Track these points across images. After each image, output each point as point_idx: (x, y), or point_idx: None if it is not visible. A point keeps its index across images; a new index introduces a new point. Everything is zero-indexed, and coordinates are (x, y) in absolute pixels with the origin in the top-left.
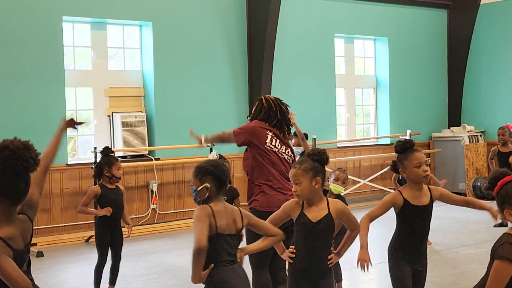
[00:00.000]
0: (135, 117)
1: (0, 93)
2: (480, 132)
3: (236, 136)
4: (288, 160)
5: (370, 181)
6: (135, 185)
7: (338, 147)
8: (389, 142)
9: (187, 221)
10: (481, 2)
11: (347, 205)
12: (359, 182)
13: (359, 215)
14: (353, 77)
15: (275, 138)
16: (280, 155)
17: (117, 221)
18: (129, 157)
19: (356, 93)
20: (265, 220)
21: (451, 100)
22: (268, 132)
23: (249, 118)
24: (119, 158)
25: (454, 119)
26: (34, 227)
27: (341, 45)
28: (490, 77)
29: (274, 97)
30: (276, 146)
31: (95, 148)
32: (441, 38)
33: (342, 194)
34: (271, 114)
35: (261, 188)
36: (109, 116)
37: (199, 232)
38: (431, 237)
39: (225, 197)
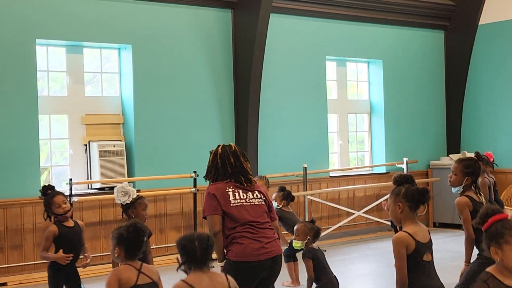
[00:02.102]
0: (114, 146)
1: None
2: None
3: (212, 221)
4: (260, 203)
5: (365, 212)
6: (113, 219)
7: (331, 176)
8: (384, 171)
9: (170, 257)
10: (480, 23)
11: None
12: (353, 214)
13: (354, 250)
14: (346, 102)
15: (236, 191)
16: (248, 204)
17: (74, 262)
18: (107, 188)
19: (349, 118)
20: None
21: (449, 125)
22: (227, 189)
23: (205, 178)
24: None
25: (453, 145)
26: (3, 266)
27: (333, 68)
28: (490, 100)
29: (224, 147)
30: (241, 197)
31: (70, 179)
32: (438, 60)
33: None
34: (219, 172)
35: (235, 239)
36: (85, 145)
37: None
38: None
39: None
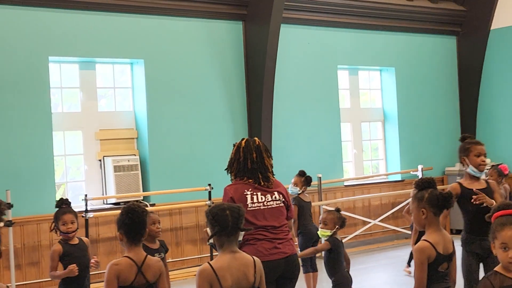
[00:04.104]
0: (128, 160)
1: None
2: (498, 164)
3: None
4: (278, 206)
5: (381, 221)
6: None
7: (346, 185)
8: (400, 179)
9: (186, 271)
10: (492, 27)
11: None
12: (369, 222)
13: (371, 259)
14: (359, 111)
15: (255, 193)
16: (266, 207)
17: (84, 280)
18: (122, 203)
19: (363, 127)
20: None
21: (464, 131)
22: (245, 191)
23: (226, 170)
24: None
25: None
26: (21, 283)
27: (345, 77)
28: (505, 105)
29: (248, 141)
30: (259, 200)
31: (86, 195)
32: (450, 66)
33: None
34: (240, 167)
35: (248, 240)
36: (100, 160)
37: None
38: None
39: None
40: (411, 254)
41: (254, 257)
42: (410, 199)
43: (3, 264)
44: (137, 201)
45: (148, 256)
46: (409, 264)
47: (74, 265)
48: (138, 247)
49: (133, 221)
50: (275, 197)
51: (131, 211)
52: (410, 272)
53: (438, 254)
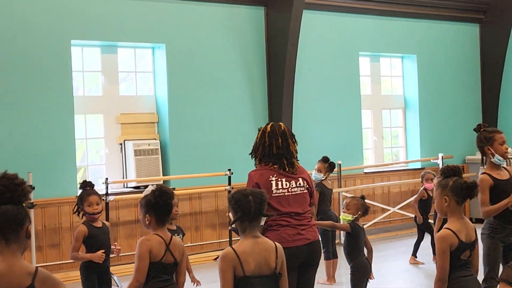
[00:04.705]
0: (149, 145)
1: (6, 121)
2: None
3: None
4: (302, 192)
5: (400, 208)
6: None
7: (365, 172)
8: (420, 167)
9: (206, 255)
10: None
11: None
12: (389, 210)
13: (389, 246)
14: (379, 98)
15: (279, 179)
16: (290, 194)
17: (105, 262)
18: (143, 187)
19: (384, 114)
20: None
21: (485, 119)
22: (270, 177)
23: (251, 155)
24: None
25: None
26: (42, 264)
27: (366, 64)
28: None
29: (274, 126)
30: (284, 187)
31: (106, 178)
32: (473, 54)
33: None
34: (265, 152)
35: (271, 226)
36: (120, 144)
37: None
38: None
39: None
40: (417, 245)
41: (275, 242)
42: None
43: None
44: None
45: (173, 236)
46: (415, 255)
47: (103, 251)
48: (164, 228)
49: (165, 202)
50: (300, 184)
51: (163, 193)
52: (420, 262)
53: (461, 242)
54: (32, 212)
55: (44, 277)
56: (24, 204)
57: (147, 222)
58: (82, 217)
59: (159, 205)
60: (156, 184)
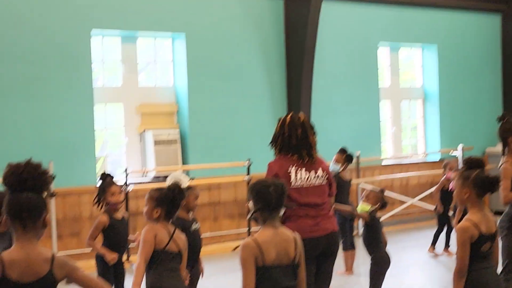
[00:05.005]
0: (168, 134)
1: (26, 111)
2: None
3: None
4: (320, 184)
5: (419, 200)
6: None
7: (383, 164)
8: (439, 158)
9: (224, 245)
10: None
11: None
12: (407, 201)
13: (408, 238)
14: (398, 89)
15: (299, 170)
16: (309, 185)
17: (122, 254)
18: (162, 177)
19: (403, 105)
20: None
21: (506, 110)
22: (290, 168)
23: (270, 145)
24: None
25: None
26: (62, 252)
27: (386, 54)
28: None
29: (294, 116)
30: (303, 178)
31: (126, 168)
32: (494, 44)
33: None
34: (285, 142)
35: (290, 217)
36: (140, 134)
37: (244, 285)
38: None
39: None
40: (436, 235)
41: (294, 233)
42: (442, 179)
43: (45, 234)
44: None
45: (176, 229)
46: (433, 246)
47: (116, 255)
48: (169, 222)
49: (180, 199)
50: (319, 174)
51: (180, 191)
52: (437, 254)
53: (481, 234)
54: (53, 201)
55: (61, 263)
56: (45, 193)
57: (155, 215)
58: (102, 209)
59: (174, 201)
60: (174, 177)
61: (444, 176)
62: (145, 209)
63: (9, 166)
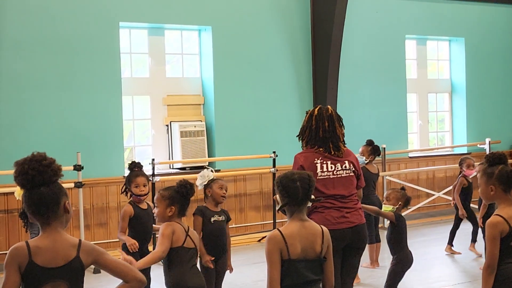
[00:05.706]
0: (194, 126)
1: (54, 102)
2: None
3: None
4: (347, 175)
5: (445, 193)
6: (194, 198)
7: (410, 157)
8: (466, 152)
9: (249, 237)
10: None
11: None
12: (433, 195)
13: (434, 231)
14: (426, 81)
15: (324, 162)
16: (335, 176)
17: (146, 244)
18: (188, 168)
19: (430, 98)
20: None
21: None
22: (315, 160)
23: (298, 137)
24: (179, 170)
25: None
26: (90, 242)
27: (413, 47)
28: None
29: (321, 109)
30: (329, 169)
31: (153, 159)
32: None
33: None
34: (312, 135)
35: (316, 208)
36: (167, 125)
37: (269, 277)
38: None
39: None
40: (453, 233)
41: (322, 226)
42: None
43: (73, 224)
44: (204, 166)
45: (189, 226)
46: (451, 244)
47: (136, 243)
48: (181, 219)
49: (191, 195)
50: (345, 166)
51: (192, 187)
52: (457, 252)
53: (511, 229)
54: (80, 191)
55: (88, 248)
56: (57, 181)
57: (169, 214)
58: (129, 197)
59: (186, 197)
60: (203, 166)
61: (461, 174)
62: (156, 210)
63: (15, 166)
